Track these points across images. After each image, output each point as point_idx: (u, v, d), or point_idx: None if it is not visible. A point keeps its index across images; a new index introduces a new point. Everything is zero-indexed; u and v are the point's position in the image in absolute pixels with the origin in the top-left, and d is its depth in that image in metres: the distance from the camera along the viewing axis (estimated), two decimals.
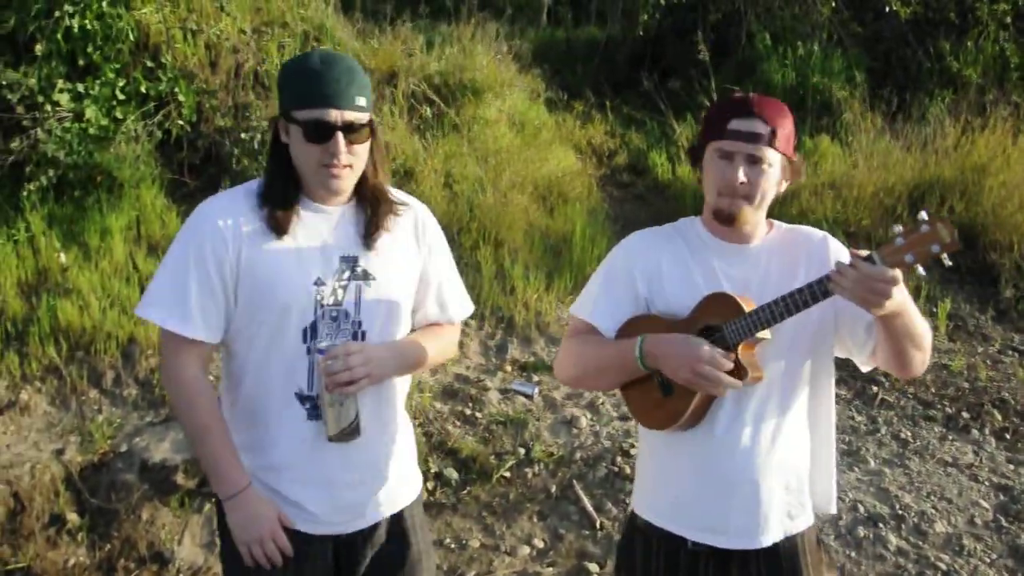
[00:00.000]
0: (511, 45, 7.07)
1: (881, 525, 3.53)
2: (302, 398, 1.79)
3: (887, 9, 9.34)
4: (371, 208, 1.83)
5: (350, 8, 6.72)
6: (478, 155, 5.91)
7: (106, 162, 4.78)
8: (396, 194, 1.93)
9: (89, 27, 4.84)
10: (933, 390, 4.81)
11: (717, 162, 1.78)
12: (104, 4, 4.90)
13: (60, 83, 4.78)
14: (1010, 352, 5.37)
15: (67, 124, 4.76)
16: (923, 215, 1.62)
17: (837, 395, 2.21)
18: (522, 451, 3.92)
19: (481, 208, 5.47)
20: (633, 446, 4.02)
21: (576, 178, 6.40)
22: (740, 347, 1.75)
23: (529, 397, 4.33)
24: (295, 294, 1.76)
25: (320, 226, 1.80)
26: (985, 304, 5.83)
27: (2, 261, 4.29)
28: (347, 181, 1.77)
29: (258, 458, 1.82)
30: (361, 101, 1.72)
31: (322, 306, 1.78)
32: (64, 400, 3.75)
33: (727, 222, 1.81)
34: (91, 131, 4.81)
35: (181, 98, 5.09)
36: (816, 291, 1.68)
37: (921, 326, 1.74)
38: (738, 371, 1.73)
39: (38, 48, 4.73)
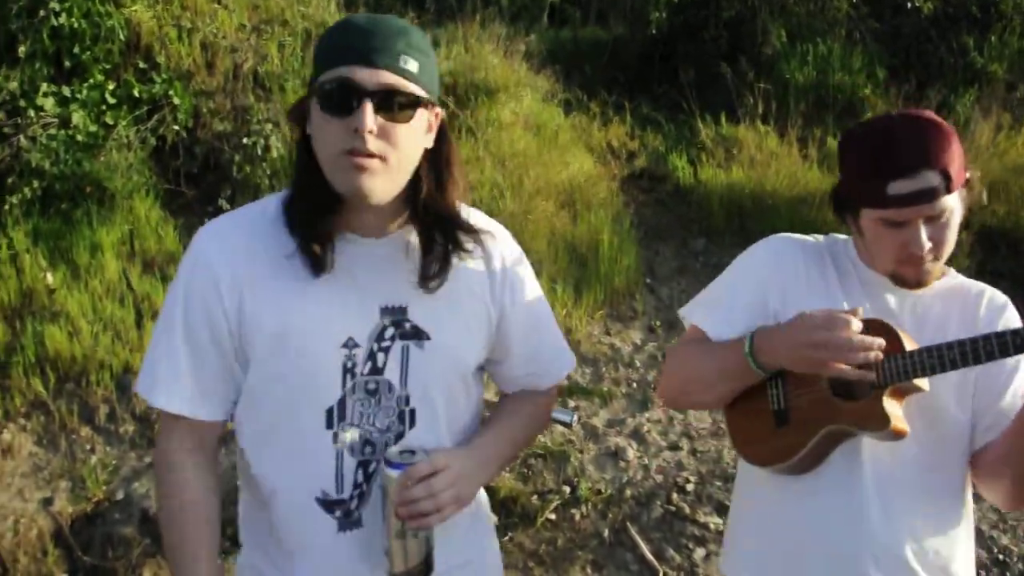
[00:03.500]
0: (527, 42, 6.69)
1: (984, 574, 3.15)
2: (327, 503, 1.32)
3: (908, 5, 9.10)
4: (432, 239, 1.31)
5: (352, 5, 6.33)
6: (495, 160, 5.52)
7: (96, 171, 4.37)
8: (474, 217, 1.39)
9: (76, 26, 4.43)
10: None
11: (886, 231, 1.42)
12: (94, 1, 4.49)
13: (44, 86, 4.38)
14: None
15: (52, 131, 4.35)
16: None
17: None
18: (567, 489, 3.52)
19: (502, 216, 5.08)
20: (688, 480, 3.64)
21: (598, 183, 6.03)
22: (888, 390, 1.39)
23: (567, 425, 3.92)
24: (315, 360, 1.28)
25: (355, 264, 1.30)
26: None
27: None
28: (380, 180, 1.21)
29: None
30: (411, 64, 1.21)
31: (353, 376, 1.29)
32: (52, 439, 3.34)
33: (914, 287, 1.48)
34: (79, 138, 4.40)
35: (176, 101, 4.68)
36: (1012, 343, 1.30)
37: None
38: (879, 418, 1.37)
39: (21, 49, 4.32)
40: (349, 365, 1.29)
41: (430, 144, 1.29)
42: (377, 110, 1.18)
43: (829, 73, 8.36)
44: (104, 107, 4.53)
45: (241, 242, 1.31)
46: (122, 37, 4.62)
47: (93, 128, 4.45)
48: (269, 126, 4.58)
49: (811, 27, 9.05)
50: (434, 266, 1.30)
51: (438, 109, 1.29)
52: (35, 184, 4.25)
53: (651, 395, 4.29)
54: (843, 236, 1.59)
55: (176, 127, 4.66)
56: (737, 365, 1.45)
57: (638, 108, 7.83)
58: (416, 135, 1.24)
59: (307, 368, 1.28)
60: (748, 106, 7.34)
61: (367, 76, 1.18)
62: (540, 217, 5.14)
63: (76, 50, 4.47)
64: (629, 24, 9.61)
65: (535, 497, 3.44)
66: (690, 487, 3.59)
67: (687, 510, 3.41)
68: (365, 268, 1.31)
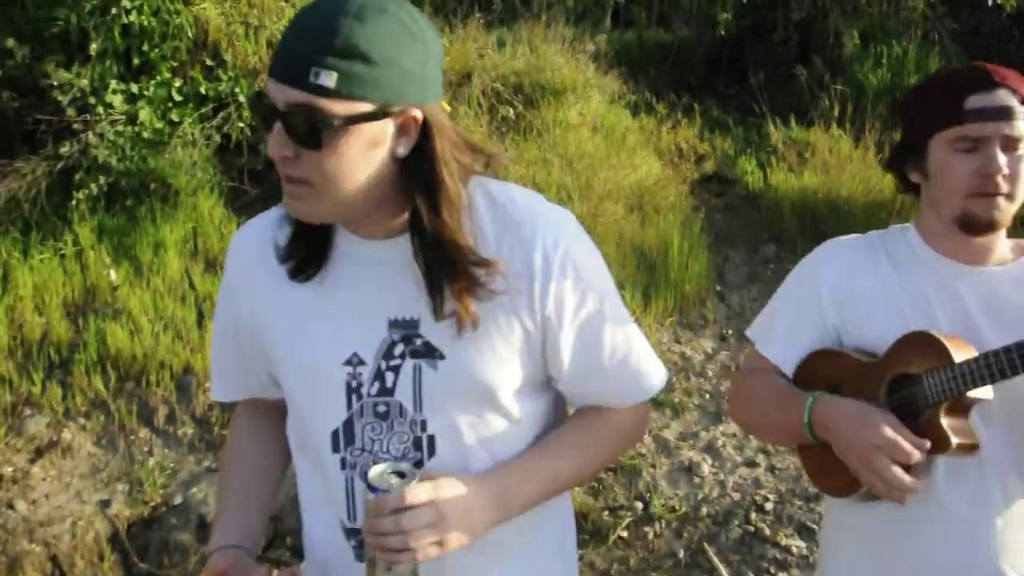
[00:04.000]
0: (595, 42, 6.54)
1: None
2: (347, 530, 1.20)
3: (989, 3, 8.73)
4: (430, 266, 1.09)
5: (417, 3, 6.25)
6: (562, 161, 5.36)
7: (160, 168, 4.34)
8: (519, 201, 1.16)
9: (146, 23, 4.41)
10: None
11: (957, 156, 1.31)
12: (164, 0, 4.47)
13: (114, 83, 4.36)
14: None
15: (120, 127, 4.33)
16: None
17: None
18: (639, 505, 3.34)
19: None
20: (767, 499, 3.43)
21: (667, 186, 5.83)
22: (944, 407, 1.26)
23: None
24: (317, 377, 1.15)
25: (361, 270, 1.15)
26: None
27: (48, 278, 3.86)
28: (310, 205, 1.05)
29: None
30: (326, 78, 0.98)
31: (360, 396, 1.14)
32: (111, 440, 3.27)
33: (985, 230, 1.32)
34: (145, 135, 4.37)
35: (242, 99, 4.63)
36: None
37: None
38: (937, 440, 1.26)
39: (92, 47, 4.30)
40: (354, 384, 1.13)
41: (404, 152, 1.06)
42: (288, 132, 1.01)
43: (904, 75, 8.03)
44: (170, 104, 4.50)
45: (256, 244, 1.21)
46: (190, 35, 4.59)
47: (159, 125, 4.42)
48: None
49: (885, 28, 8.74)
50: (437, 300, 1.10)
51: (414, 111, 1.04)
52: (101, 180, 4.23)
53: (724, 407, 4.09)
54: (902, 225, 1.48)
55: (241, 124, 4.60)
56: (796, 427, 1.37)
57: (707, 110, 7.61)
58: (346, 157, 1.02)
59: (309, 386, 1.16)
60: (822, 109, 7.07)
61: (278, 93, 1.00)
62: (608, 221, 4.97)
63: (145, 47, 4.45)
64: (696, 26, 9.39)
65: (606, 513, 3.27)
66: (769, 506, 3.37)
67: (767, 531, 3.20)
68: (370, 275, 1.14)
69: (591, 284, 1.17)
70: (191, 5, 4.63)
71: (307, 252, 1.14)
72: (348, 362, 1.13)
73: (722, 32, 8.61)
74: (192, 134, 4.51)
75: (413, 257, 1.10)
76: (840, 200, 6.00)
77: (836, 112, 6.89)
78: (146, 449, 3.27)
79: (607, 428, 1.26)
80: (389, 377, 1.13)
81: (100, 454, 3.23)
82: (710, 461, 3.68)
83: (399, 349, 1.13)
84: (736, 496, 3.46)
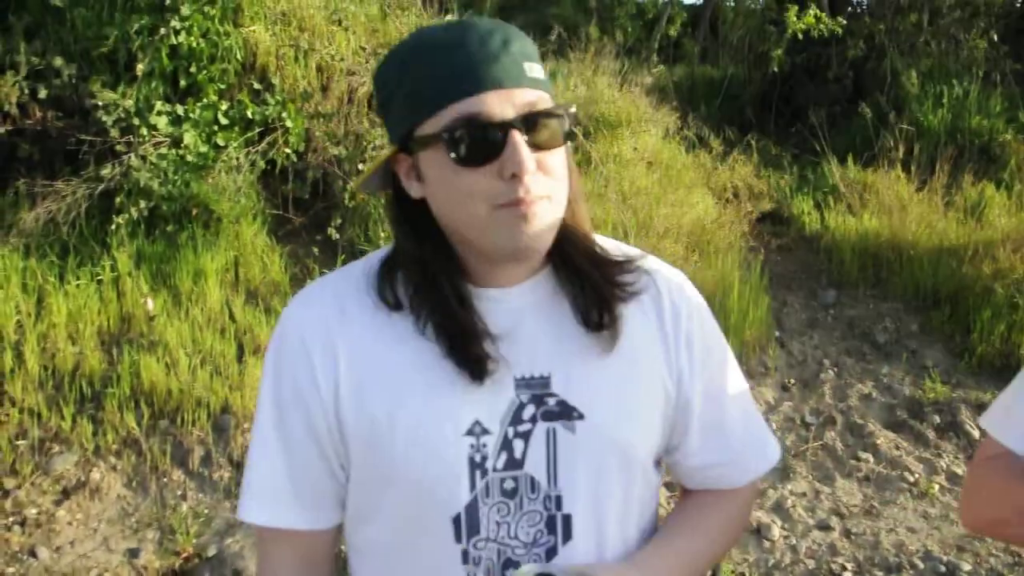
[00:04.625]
0: (653, 74, 6.35)
1: None
2: None
3: None
4: (582, 281, 0.99)
5: None
6: (618, 196, 5.14)
7: (203, 193, 4.18)
8: (624, 249, 1.08)
9: (195, 44, 4.28)
10: None
11: None
12: (213, 21, 4.34)
13: (159, 105, 4.22)
14: None
15: (163, 150, 4.18)
16: None
17: None
18: (708, 574, 3.05)
19: None
20: (844, 568, 3.13)
21: (724, 225, 5.58)
22: None
23: None
24: (433, 453, 0.96)
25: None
26: None
27: (84, 304, 3.69)
28: (547, 225, 0.92)
29: None
30: (536, 70, 0.92)
31: (485, 472, 0.96)
32: (142, 482, 3.06)
33: None
34: (189, 158, 4.22)
35: (289, 124, 4.47)
36: None
37: None
38: None
39: (139, 67, 4.18)
40: (478, 459, 0.96)
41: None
42: (530, 139, 0.89)
43: (966, 116, 7.77)
44: (216, 127, 4.36)
45: (332, 303, 1.00)
46: (239, 57, 4.46)
47: (204, 149, 4.27)
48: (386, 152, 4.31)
49: (944, 67, 8.50)
50: (594, 312, 0.98)
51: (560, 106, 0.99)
52: (142, 204, 4.07)
53: (792, 463, 3.80)
54: None
55: (287, 150, 4.45)
56: None
57: (765, 148, 7.37)
58: (563, 156, 0.95)
59: (422, 464, 0.95)
60: (883, 149, 6.81)
61: (501, 102, 0.87)
62: (669, 262, 4.73)
63: (192, 69, 4.32)
64: (748, 63, 9.20)
65: None
66: (847, 575, 3.08)
67: None
68: (493, 328, 0.97)
69: (716, 338, 1.10)
70: (240, 27, 4.51)
71: (432, 305, 0.96)
72: (471, 432, 0.96)
73: (775, 69, 8.42)
74: (237, 159, 4.36)
75: (547, 296, 0.99)
76: (905, 244, 5.71)
77: (901, 153, 6.61)
78: (179, 493, 3.05)
79: (730, 511, 1.13)
80: (518, 446, 0.97)
81: (130, 497, 3.02)
82: (780, 523, 3.39)
83: (528, 411, 0.97)
84: (810, 563, 3.17)
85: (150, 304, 3.76)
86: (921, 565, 3.17)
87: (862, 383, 4.51)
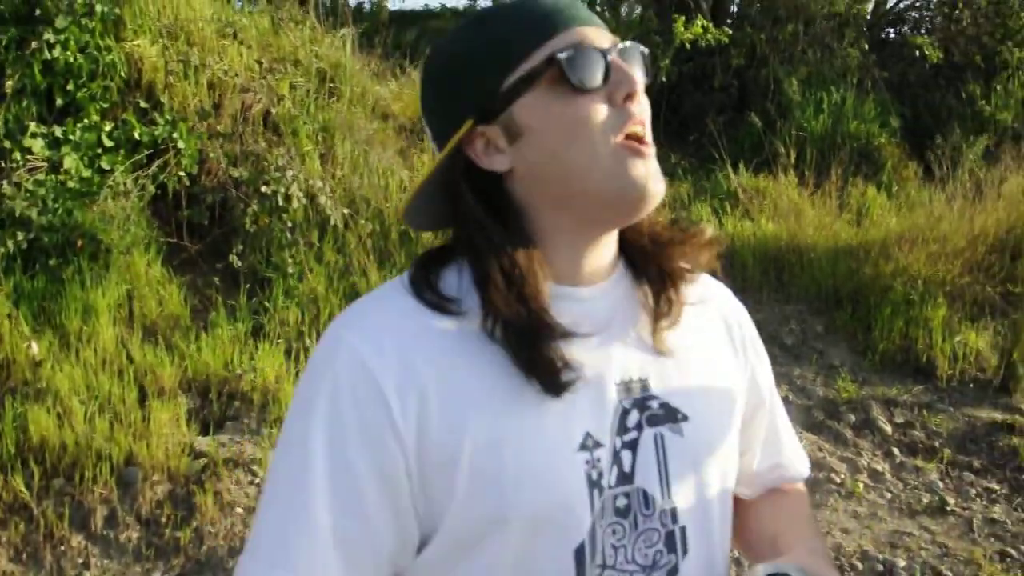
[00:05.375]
0: None
1: None
2: None
3: (917, 54, 9.05)
4: (653, 272, 0.92)
5: (369, 47, 5.90)
6: None
7: (88, 222, 3.83)
8: None
9: (71, 60, 3.93)
10: None
11: None
12: (93, 34, 3.99)
13: (33, 126, 3.85)
14: None
15: (40, 176, 3.82)
16: None
17: None
18: None
19: None
20: None
21: None
22: None
23: None
24: (547, 475, 0.81)
25: (576, 327, 0.86)
26: None
27: None
28: (659, 168, 0.86)
29: None
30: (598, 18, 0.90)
31: (601, 491, 0.84)
32: (34, 552, 2.72)
33: None
34: (70, 184, 3.87)
35: (180, 145, 4.17)
36: None
37: None
38: None
39: (8, 84, 3.79)
40: (594, 476, 0.84)
41: None
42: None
43: (844, 122, 8.16)
44: (99, 150, 4.02)
45: (399, 323, 0.84)
46: (122, 74, 4.12)
47: (86, 174, 3.92)
48: (290, 173, 4.07)
49: (820, 75, 8.90)
50: (662, 308, 0.91)
51: None
52: (19, 236, 3.69)
53: None
54: None
55: (180, 173, 4.14)
56: None
57: (661, 157, 7.48)
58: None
59: (540, 490, 0.81)
60: (774, 155, 7.03)
61: (595, 33, 0.84)
62: None
63: (70, 87, 3.96)
64: None
65: None
66: None
67: None
68: (586, 329, 0.87)
69: (762, 345, 1.07)
70: (123, 41, 4.18)
71: (517, 308, 0.82)
72: (584, 446, 0.84)
73: (663, 79, 8.58)
74: (124, 183, 4.02)
75: (626, 295, 0.91)
76: (804, 247, 5.88)
77: (792, 158, 6.84)
78: (80, 561, 2.73)
79: (805, 505, 1.11)
80: (626, 458, 0.86)
81: (19, 572, 2.67)
82: None
83: (633, 418, 0.87)
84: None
85: (34, 347, 3.40)
86: (860, 566, 3.19)
87: (777, 386, 4.58)
